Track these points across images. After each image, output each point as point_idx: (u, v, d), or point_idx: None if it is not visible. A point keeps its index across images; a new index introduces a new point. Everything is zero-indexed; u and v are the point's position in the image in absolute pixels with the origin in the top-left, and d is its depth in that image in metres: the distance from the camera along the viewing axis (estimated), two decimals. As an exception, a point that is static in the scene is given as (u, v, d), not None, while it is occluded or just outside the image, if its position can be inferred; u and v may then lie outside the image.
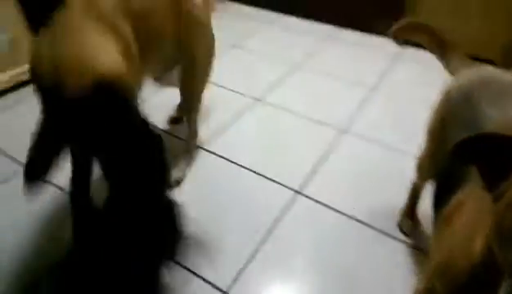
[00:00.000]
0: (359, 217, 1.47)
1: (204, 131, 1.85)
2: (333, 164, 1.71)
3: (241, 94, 2.17)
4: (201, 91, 1.55)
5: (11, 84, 2.10)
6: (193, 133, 1.64)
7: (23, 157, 1.60)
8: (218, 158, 1.72)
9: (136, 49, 1.11)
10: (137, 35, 1.12)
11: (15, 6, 1.20)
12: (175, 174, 1.56)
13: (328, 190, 1.57)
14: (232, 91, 2.19)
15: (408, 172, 1.38)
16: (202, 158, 1.72)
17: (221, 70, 2.36)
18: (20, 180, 1.55)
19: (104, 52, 0.97)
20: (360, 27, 2.87)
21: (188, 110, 1.61)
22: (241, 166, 1.68)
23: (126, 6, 1.09)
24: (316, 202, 1.53)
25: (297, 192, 1.57)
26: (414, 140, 1.75)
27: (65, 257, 1.28)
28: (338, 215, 1.48)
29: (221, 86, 2.22)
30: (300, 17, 3.07)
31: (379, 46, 2.67)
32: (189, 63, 1.44)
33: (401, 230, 1.42)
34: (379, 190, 1.59)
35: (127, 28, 1.08)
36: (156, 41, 1.25)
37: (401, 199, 1.45)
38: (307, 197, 1.55)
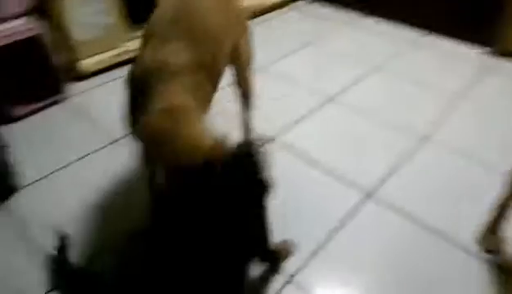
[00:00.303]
0: (432, 226, 1.44)
1: (275, 129, 1.90)
2: (408, 170, 1.68)
3: (314, 93, 2.18)
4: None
5: (104, 65, 2.30)
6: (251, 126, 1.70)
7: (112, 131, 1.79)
8: (289, 155, 1.76)
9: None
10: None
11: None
12: None
13: (401, 196, 1.55)
14: (305, 89, 2.22)
15: (490, 187, 1.34)
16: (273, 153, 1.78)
17: (294, 68, 2.41)
18: (112, 150, 1.74)
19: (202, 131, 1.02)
20: (448, 33, 2.73)
21: (248, 106, 1.64)
22: (311, 164, 1.71)
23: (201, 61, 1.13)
24: (387, 206, 1.52)
25: (367, 195, 1.57)
26: (502, 154, 1.71)
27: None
28: (409, 222, 1.46)
29: (294, 85, 2.25)
30: (381, 19, 3.01)
31: (467, 55, 2.53)
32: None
33: (482, 246, 1.36)
34: (456, 202, 1.54)
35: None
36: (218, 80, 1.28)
37: (480, 214, 1.39)
38: (377, 200, 1.54)
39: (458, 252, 1.36)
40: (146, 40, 1.16)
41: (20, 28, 1.81)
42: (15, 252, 1.34)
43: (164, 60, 1.06)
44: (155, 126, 0.99)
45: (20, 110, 1.91)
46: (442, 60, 2.51)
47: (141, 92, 1.06)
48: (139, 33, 1.40)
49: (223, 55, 1.27)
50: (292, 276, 1.27)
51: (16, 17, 1.83)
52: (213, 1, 1.27)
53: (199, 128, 1.02)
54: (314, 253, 1.34)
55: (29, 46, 1.85)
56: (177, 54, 1.08)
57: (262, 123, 1.81)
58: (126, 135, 1.80)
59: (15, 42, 1.79)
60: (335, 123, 1.96)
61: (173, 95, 1.02)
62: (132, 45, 2.35)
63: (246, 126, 1.69)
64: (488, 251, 1.34)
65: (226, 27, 1.27)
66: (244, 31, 1.46)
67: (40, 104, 1.98)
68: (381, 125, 1.94)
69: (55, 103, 2.03)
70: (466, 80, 2.29)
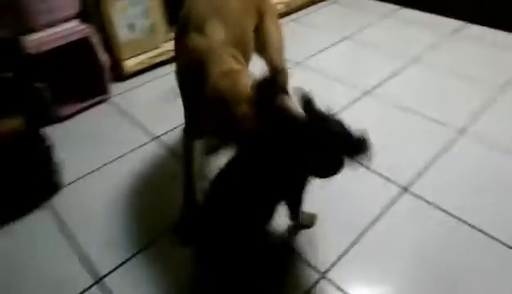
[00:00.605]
0: (469, 221, 1.40)
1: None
2: (445, 165, 1.63)
3: (352, 86, 2.16)
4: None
5: (146, 65, 2.38)
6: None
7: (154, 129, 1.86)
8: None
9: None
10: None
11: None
12: None
13: (437, 191, 1.52)
14: (341, 82, 2.20)
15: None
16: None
17: (332, 61, 2.39)
18: (150, 146, 1.80)
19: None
20: (493, 23, 2.62)
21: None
22: (348, 157, 1.70)
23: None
24: (424, 201, 1.49)
25: (404, 188, 1.54)
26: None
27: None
28: (445, 215, 1.43)
29: (330, 77, 2.24)
30: (421, 10, 2.92)
31: (510, 46, 2.42)
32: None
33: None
34: (494, 196, 1.49)
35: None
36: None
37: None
38: (414, 195, 1.51)
39: (497, 247, 1.31)
40: (185, 26, 1.30)
41: (71, 30, 1.90)
42: (57, 248, 1.41)
43: (210, 36, 1.23)
44: (220, 86, 1.12)
45: (67, 110, 2.01)
46: (483, 52, 2.40)
47: (195, 70, 1.19)
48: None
49: (249, 34, 1.43)
50: (325, 272, 1.27)
51: (67, 20, 1.93)
52: None
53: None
54: (348, 249, 1.34)
55: (78, 48, 1.94)
56: (217, 31, 1.25)
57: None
58: (166, 133, 1.87)
59: (67, 44, 1.88)
60: (372, 116, 1.93)
61: (227, 61, 1.18)
62: (171, 45, 2.42)
63: None
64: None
65: (248, 6, 1.43)
66: (267, 10, 1.54)
67: (85, 104, 2.07)
68: (419, 118, 1.90)
69: (98, 103, 2.12)
70: (508, 72, 2.18)
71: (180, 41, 1.32)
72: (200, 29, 1.25)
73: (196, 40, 1.24)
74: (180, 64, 1.33)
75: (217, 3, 1.34)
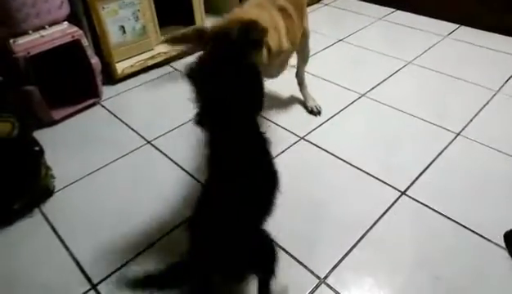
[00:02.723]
0: (467, 224, 1.39)
1: (308, 124, 1.90)
2: (443, 167, 1.63)
3: (346, 88, 2.15)
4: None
5: (137, 69, 2.35)
6: (303, 80, 2.05)
7: (146, 133, 1.83)
8: (321, 151, 1.74)
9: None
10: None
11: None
12: (312, 103, 2.00)
13: (436, 194, 1.51)
14: (337, 84, 2.19)
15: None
16: (306, 149, 1.76)
17: (327, 64, 2.38)
18: (142, 151, 1.77)
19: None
20: (486, 26, 2.64)
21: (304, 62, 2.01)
22: (344, 161, 1.68)
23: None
24: (422, 204, 1.47)
25: (402, 192, 1.53)
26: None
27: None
28: (443, 218, 1.41)
29: (326, 80, 2.22)
30: (416, 13, 2.93)
31: (506, 49, 2.44)
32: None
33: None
34: (492, 199, 1.48)
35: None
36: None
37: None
38: (411, 198, 1.50)
39: (495, 250, 1.31)
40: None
41: (61, 33, 1.87)
42: (48, 253, 1.37)
43: None
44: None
45: (58, 114, 1.97)
46: (478, 54, 2.42)
47: None
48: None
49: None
50: (324, 277, 1.25)
51: (57, 23, 1.89)
52: None
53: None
54: (346, 254, 1.32)
55: (69, 51, 1.91)
56: None
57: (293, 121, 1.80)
58: (158, 137, 1.84)
59: (57, 47, 1.84)
60: (368, 119, 1.93)
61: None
62: (162, 48, 2.39)
63: (301, 77, 2.03)
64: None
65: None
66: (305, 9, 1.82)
67: (76, 108, 2.03)
68: (415, 120, 1.89)
69: (90, 106, 2.08)
70: (503, 75, 2.19)
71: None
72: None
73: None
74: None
75: None
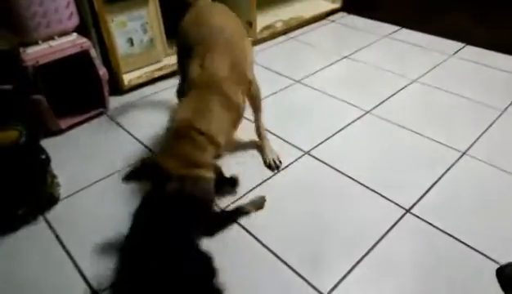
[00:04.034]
0: (473, 244, 1.38)
1: (311, 139, 1.90)
2: (448, 186, 1.62)
3: (351, 104, 2.16)
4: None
5: (145, 80, 2.37)
6: (263, 131, 1.83)
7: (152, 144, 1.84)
8: (324, 166, 1.74)
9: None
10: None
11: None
12: (270, 156, 1.78)
13: (441, 213, 1.50)
14: (342, 100, 2.19)
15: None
16: (309, 164, 1.76)
17: (332, 80, 2.39)
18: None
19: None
20: (492, 45, 2.65)
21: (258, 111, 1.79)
22: (348, 176, 1.68)
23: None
24: (427, 222, 1.47)
25: (406, 210, 1.52)
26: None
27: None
28: (448, 238, 1.40)
29: (331, 96, 2.23)
30: (421, 31, 2.96)
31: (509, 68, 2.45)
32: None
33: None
34: (498, 218, 1.47)
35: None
36: None
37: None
38: (416, 216, 1.49)
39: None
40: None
41: (70, 43, 1.89)
42: (52, 261, 1.37)
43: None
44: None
45: (65, 123, 1.98)
46: (484, 73, 2.43)
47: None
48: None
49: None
50: (329, 293, 1.24)
51: (66, 33, 1.92)
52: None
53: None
54: (350, 271, 1.31)
55: (77, 61, 1.93)
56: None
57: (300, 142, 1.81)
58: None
59: (66, 57, 1.87)
60: (373, 136, 1.93)
61: None
62: (170, 60, 2.41)
63: (258, 129, 1.82)
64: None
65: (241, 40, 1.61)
66: (249, 46, 1.70)
67: (83, 117, 2.05)
68: (420, 138, 1.89)
69: (97, 116, 2.10)
70: (509, 94, 2.20)
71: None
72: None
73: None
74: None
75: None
